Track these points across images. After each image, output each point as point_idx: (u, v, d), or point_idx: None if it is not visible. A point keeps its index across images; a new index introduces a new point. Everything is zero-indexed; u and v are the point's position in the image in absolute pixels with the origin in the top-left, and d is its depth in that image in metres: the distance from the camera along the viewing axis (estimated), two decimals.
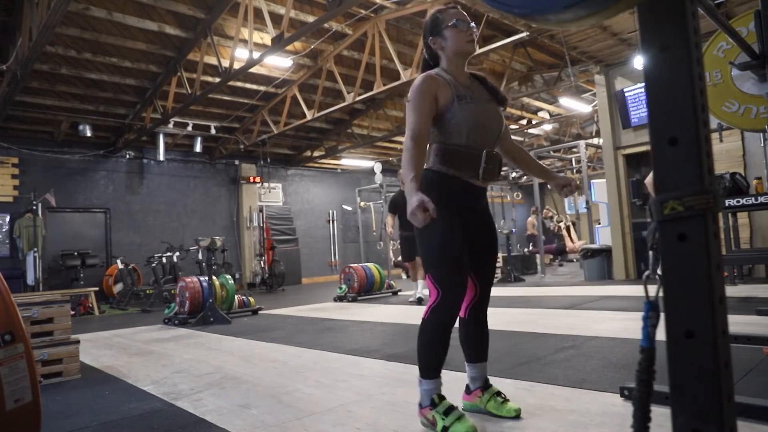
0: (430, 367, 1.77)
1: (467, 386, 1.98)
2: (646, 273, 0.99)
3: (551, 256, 12.29)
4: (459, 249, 1.75)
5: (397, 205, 6.15)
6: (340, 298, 7.21)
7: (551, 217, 12.62)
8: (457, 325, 1.81)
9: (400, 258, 6.69)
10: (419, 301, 6.09)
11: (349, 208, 14.23)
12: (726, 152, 6.60)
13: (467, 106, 1.77)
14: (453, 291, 1.74)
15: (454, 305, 1.74)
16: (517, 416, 1.86)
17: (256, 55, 6.59)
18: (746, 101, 1.90)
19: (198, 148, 10.87)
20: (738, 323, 3.29)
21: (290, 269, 11.52)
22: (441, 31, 1.83)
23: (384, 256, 12.80)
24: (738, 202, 4.46)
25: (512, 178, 13.21)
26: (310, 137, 12.30)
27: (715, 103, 1.96)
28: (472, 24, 1.84)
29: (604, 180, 8.10)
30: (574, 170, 12.54)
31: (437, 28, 1.84)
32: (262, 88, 9.30)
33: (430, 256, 1.76)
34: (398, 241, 6.40)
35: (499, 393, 1.93)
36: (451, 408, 1.74)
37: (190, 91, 7.78)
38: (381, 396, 2.28)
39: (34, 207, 8.53)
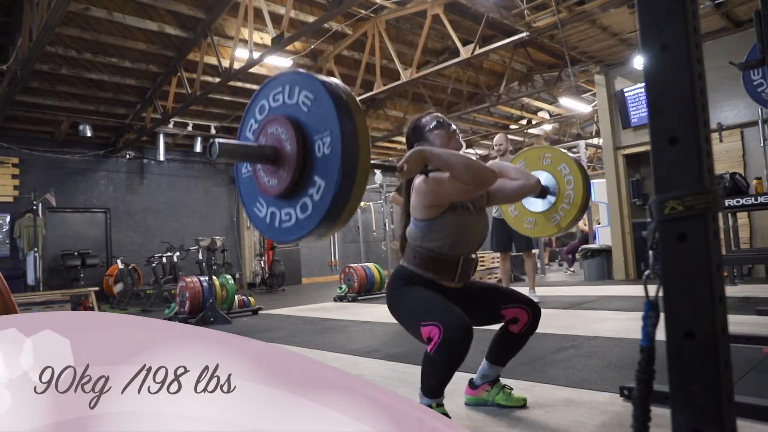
0: (436, 389, 1.66)
1: (472, 381, 2.01)
2: (646, 273, 0.99)
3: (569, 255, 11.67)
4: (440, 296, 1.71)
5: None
6: (340, 298, 7.21)
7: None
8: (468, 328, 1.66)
9: None
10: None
11: None
12: (726, 152, 6.59)
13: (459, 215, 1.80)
14: (454, 319, 1.56)
15: (461, 333, 1.53)
16: (524, 405, 1.95)
17: (256, 55, 6.59)
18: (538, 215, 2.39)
19: (198, 148, 10.86)
20: (738, 323, 3.29)
21: (290, 269, 11.51)
22: (424, 134, 1.83)
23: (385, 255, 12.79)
24: (738, 202, 4.46)
25: None
26: None
27: (519, 225, 2.44)
28: (452, 125, 1.86)
29: (604, 180, 8.10)
30: None
31: (420, 133, 1.84)
32: None
33: (414, 309, 1.68)
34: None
35: (506, 385, 2.00)
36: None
37: (190, 91, 7.78)
38: None
39: (35, 207, 8.54)
